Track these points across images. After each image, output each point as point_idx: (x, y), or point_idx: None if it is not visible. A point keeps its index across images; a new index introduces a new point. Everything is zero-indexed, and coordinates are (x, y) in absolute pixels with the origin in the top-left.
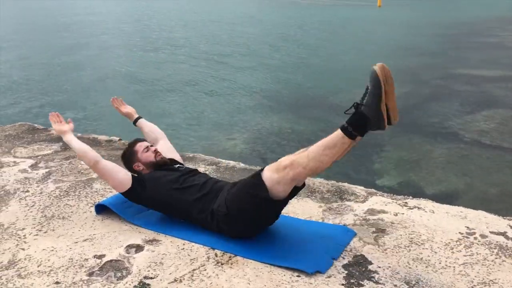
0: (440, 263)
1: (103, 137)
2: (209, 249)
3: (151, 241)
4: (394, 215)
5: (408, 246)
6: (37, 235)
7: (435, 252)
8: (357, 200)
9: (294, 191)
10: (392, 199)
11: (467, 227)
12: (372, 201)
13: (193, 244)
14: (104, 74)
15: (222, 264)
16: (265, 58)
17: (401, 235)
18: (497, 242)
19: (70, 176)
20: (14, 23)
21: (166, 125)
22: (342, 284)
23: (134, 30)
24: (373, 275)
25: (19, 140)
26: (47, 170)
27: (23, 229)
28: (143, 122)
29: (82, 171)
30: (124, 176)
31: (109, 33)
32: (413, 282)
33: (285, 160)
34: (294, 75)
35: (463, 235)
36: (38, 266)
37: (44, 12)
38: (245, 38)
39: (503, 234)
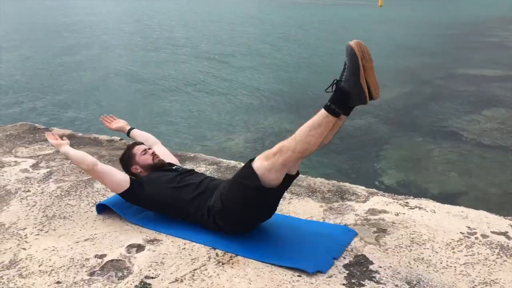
0: (441, 263)
1: (104, 137)
2: (210, 248)
3: (152, 241)
4: (395, 215)
5: (409, 246)
6: (38, 234)
7: (436, 252)
8: (358, 200)
9: (288, 181)
10: (393, 199)
11: (468, 227)
12: (373, 201)
13: (194, 243)
14: (106, 73)
15: (223, 264)
16: (265, 58)
17: (402, 235)
18: (498, 242)
19: (71, 175)
20: (14, 23)
21: (167, 124)
22: (343, 284)
23: (134, 30)
24: (374, 275)
25: (20, 140)
26: (48, 169)
27: (24, 228)
28: (136, 132)
29: (83, 171)
30: (121, 178)
31: (110, 33)
32: (414, 282)
33: (274, 147)
34: (294, 74)
35: (464, 235)
36: (39, 266)
37: (44, 12)
38: (246, 38)
39: (504, 234)
